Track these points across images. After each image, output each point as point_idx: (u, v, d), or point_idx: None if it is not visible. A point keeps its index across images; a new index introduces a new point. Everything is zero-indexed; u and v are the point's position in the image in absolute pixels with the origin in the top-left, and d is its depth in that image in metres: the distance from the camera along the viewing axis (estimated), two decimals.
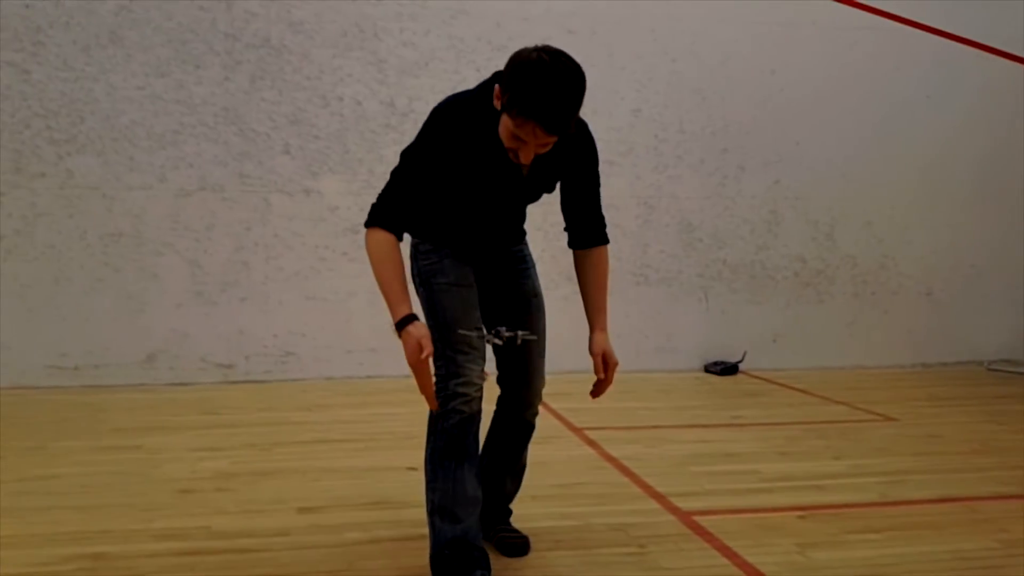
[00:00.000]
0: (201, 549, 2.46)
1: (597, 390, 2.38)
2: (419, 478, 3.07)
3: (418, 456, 3.31)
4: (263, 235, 5.14)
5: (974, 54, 5.98)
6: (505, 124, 2.00)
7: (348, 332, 5.26)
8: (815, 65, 5.84)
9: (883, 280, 6.09)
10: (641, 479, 3.19)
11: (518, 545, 2.47)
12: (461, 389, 2.17)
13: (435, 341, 2.11)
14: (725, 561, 2.43)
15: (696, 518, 2.77)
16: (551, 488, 3.06)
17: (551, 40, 5.87)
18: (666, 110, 5.69)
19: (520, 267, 2.42)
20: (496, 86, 2.04)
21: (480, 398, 2.23)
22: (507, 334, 2.25)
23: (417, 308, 2.16)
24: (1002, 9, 6.05)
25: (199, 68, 5.02)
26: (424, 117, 2.23)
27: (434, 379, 2.14)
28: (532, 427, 2.54)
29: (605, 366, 2.34)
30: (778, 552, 2.50)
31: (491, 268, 2.36)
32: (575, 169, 2.27)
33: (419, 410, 4.27)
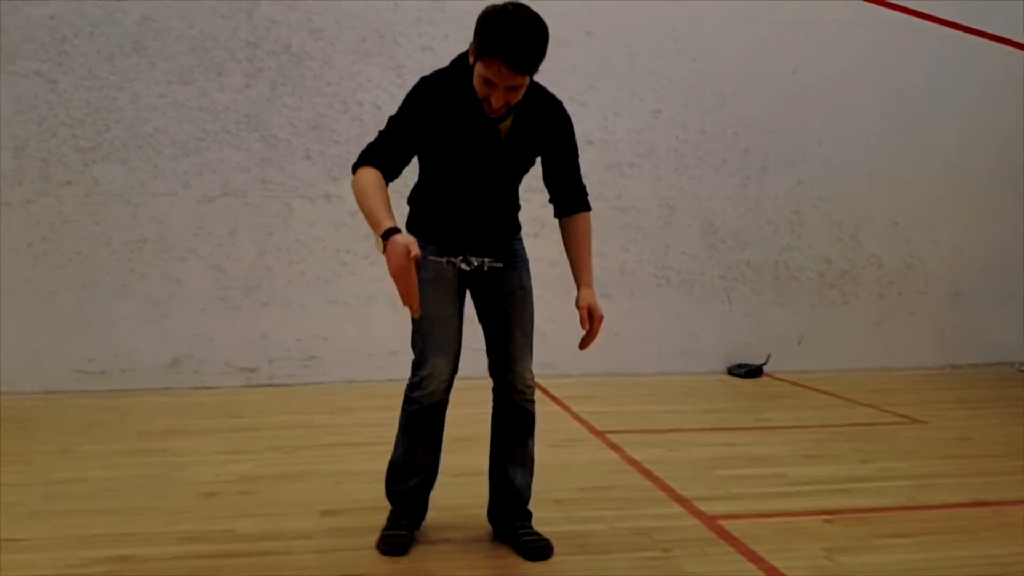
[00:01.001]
0: (225, 552, 2.48)
1: (584, 342, 2.48)
2: (442, 481, 3.08)
3: (442, 459, 3.34)
4: (285, 240, 5.18)
5: (1001, 50, 5.89)
6: (477, 72, 2.20)
7: (369, 336, 5.28)
8: (838, 63, 5.78)
9: (910, 280, 6.00)
10: (665, 483, 3.17)
11: (540, 548, 2.47)
12: (424, 382, 2.44)
13: (413, 332, 2.41)
14: (751, 566, 2.40)
15: (721, 522, 2.74)
16: (573, 492, 3.04)
17: (570, 42, 5.90)
18: (687, 111, 5.66)
19: (510, 260, 2.51)
20: (471, 43, 2.23)
21: (442, 390, 2.46)
22: (475, 261, 2.39)
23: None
24: None
25: (221, 75, 5.08)
26: None
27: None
28: (528, 414, 2.57)
29: (591, 319, 2.45)
30: (805, 557, 2.46)
31: (478, 266, 2.44)
32: (553, 143, 2.45)
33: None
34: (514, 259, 2.54)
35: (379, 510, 2.80)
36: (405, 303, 2.14)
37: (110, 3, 4.95)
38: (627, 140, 5.58)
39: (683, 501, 2.95)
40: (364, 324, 5.29)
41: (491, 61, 2.13)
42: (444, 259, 2.36)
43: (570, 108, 6.16)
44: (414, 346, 2.47)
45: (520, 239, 2.63)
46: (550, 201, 2.56)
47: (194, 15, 5.04)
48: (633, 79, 5.56)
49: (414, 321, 2.38)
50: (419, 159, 2.47)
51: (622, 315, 5.60)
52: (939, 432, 4.06)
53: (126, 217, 5.00)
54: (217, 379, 5.10)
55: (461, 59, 2.35)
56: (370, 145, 2.33)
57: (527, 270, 2.59)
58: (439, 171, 2.44)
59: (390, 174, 2.30)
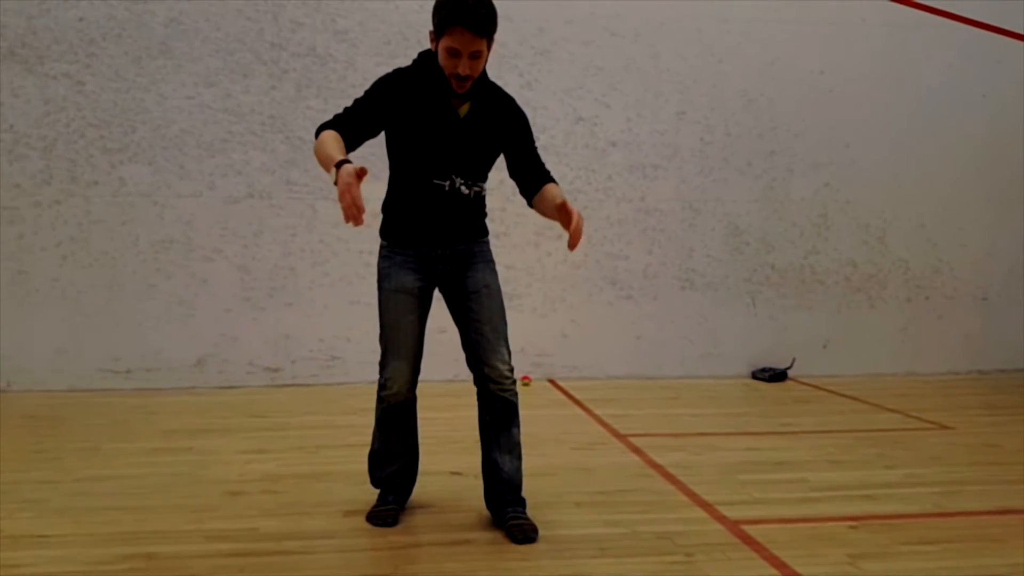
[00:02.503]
0: (249, 551, 2.50)
1: (571, 240, 2.40)
2: (462, 482, 3.09)
3: (461, 460, 3.36)
4: (309, 241, 5.22)
5: None
6: (441, 49, 2.41)
7: None
8: (865, 65, 5.72)
9: (937, 284, 5.91)
10: (687, 487, 3.14)
11: (524, 530, 2.58)
12: (387, 383, 2.66)
13: (380, 337, 2.65)
14: (774, 571, 2.37)
15: (744, 527, 2.71)
16: (595, 495, 3.03)
17: (594, 43, 5.90)
18: (712, 112, 5.62)
19: (468, 262, 2.66)
20: (430, 31, 2.47)
21: (406, 390, 2.67)
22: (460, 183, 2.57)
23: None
24: None
25: (247, 77, 5.12)
26: None
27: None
28: (509, 403, 2.66)
29: (567, 215, 2.40)
30: (828, 563, 2.43)
31: (444, 270, 2.65)
32: (510, 132, 2.62)
33: (460, 415, 4.32)
34: (475, 260, 2.67)
35: (404, 511, 2.82)
36: (347, 220, 2.22)
37: (138, 5, 5.01)
38: (651, 142, 5.55)
39: (706, 505, 2.92)
40: None
41: (452, 30, 2.34)
42: (446, 183, 2.55)
43: (594, 109, 6.17)
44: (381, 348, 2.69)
45: (486, 242, 2.74)
46: (520, 192, 2.70)
47: (220, 17, 5.09)
48: (658, 80, 5.54)
49: (381, 327, 2.65)
50: (388, 155, 2.63)
51: (645, 318, 5.58)
52: (966, 438, 3.99)
53: (152, 217, 5.06)
54: (241, 379, 5.15)
55: (422, 54, 2.57)
56: (335, 115, 2.53)
57: (492, 270, 2.70)
58: (403, 159, 2.58)
59: (348, 141, 2.44)
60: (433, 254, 2.62)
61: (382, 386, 2.67)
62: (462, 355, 5.38)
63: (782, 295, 5.76)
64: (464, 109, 2.55)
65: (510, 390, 2.66)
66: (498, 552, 2.51)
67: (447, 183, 2.57)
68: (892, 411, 4.62)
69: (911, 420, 4.39)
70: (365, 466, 3.32)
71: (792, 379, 5.61)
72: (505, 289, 5.48)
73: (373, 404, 4.48)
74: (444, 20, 2.36)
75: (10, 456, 3.52)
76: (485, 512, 2.80)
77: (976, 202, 5.91)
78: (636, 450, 3.69)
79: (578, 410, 4.48)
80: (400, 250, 2.63)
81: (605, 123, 5.46)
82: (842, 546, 2.56)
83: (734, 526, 2.72)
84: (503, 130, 2.61)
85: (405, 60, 5.15)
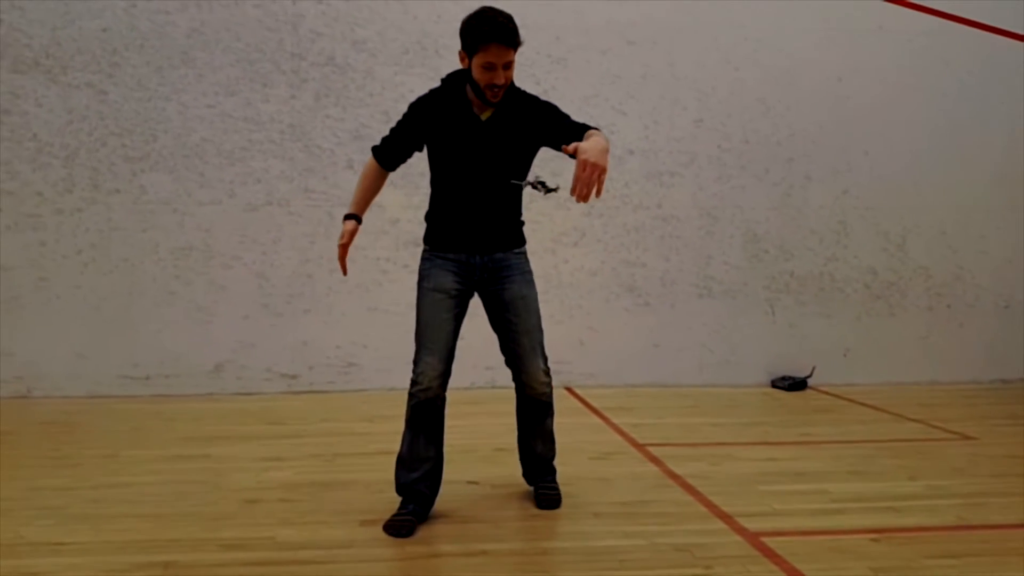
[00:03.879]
0: (266, 560, 2.49)
1: (572, 187, 2.40)
2: (480, 492, 3.09)
3: (479, 470, 3.37)
4: (327, 248, 5.22)
5: None
6: (476, 65, 2.61)
7: (409, 343, 5.21)
8: (883, 71, 5.67)
9: (958, 292, 5.84)
10: (706, 498, 3.11)
11: (551, 498, 2.96)
12: (418, 378, 2.76)
13: (415, 335, 2.79)
14: None
15: (764, 539, 2.67)
16: (614, 506, 3.01)
17: (611, 51, 5.90)
18: (729, 119, 5.59)
19: (504, 274, 2.82)
20: (460, 52, 2.67)
21: (436, 386, 2.76)
22: (534, 183, 2.69)
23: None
24: None
25: (266, 87, 5.16)
26: None
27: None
28: (543, 403, 2.94)
29: (578, 159, 2.38)
30: None
31: (482, 277, 2.81)
32: (539, 126, 2.74)
33: (478, 423, 4.32)
34: (512, 271, 2.82)
35: (421, 523, 2.81)
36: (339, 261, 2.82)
37: (160, 16, 5.07)
38: (668, 149, 5.53)
39: (725, 517, 2.89)
40: (404, 332, 5.21)
41: (487, 47, 2.57)
42: (524, 183, 2.72)
43: (611, 117, 6.18)
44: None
45: (523, 253, 2.90)
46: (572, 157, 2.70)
47: (241, 27, 5.13)
48: (675, 88, 5.52)
49: (416, 323, 2.81)
50: (429, 168, 2.85)
51: (663, 326, 5.55)
52: (989, 449, 3.93)
53: (173, 225, 5.10)
54: (259, 385, 5.17)
55: (451, 75, 2.80)
56: (383, 138, 2.85)
57: (528, 282, 2.86)
58: (440, 169, 2.81)
59: (388, 164, 2.84)
60: (472, 260, 2.79)
61: (413, 381, 2.77)
62: (480, 362, 5.46)
63: (801, 303, 5.71)
64: (486, 114, 2.73)
65: (545, 393, 2.92)
66: (516, 563, 2.50)
67: (481, 189, 2.75)
68: (914, 421, 4.57)
69: (934, 430, 4.34)
70: (382, 474, 3.30)
71: (812, 388, 5.56)
72: None
73: (390, 411, 4.53)
74: (477, 39, 2.58)
75: (30, 462, 3.55)
76: (503, 522, 2.80)
77: (997, 209, 5.84)
78: (654, 460, 3.66)
79: (595, 418, 4.46)
80: (440, 254, 2.81)
81: (622, 131, 5.45)
82: (864, 559, 2.52)
83: (754, 538, 2.69)
84: (527, 125, 2.74)
85: (423, 69, 5.28)
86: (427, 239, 2.87)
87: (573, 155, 2.39)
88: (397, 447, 3.72)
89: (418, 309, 2.80)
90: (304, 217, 5.22)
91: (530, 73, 5.34)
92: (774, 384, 5.60)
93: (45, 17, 4.99)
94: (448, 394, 4.72)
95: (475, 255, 2.79)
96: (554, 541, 2.69)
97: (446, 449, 3.44)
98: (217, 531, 2.72)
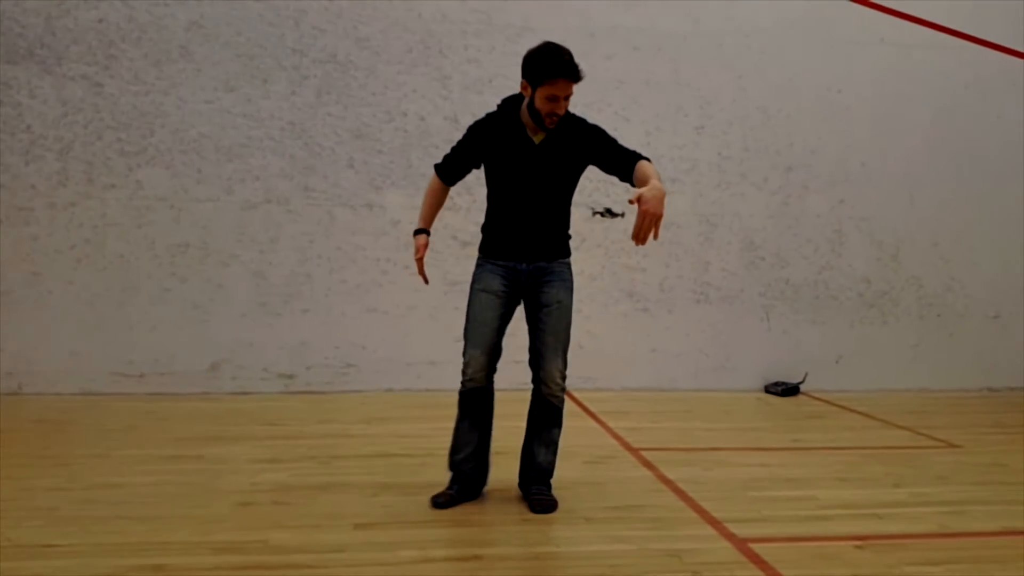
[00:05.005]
0: (258, 564, 2.49)
1: (633, 233, 2.63)
2: (475, 501, 3.08)
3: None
4: (326, 248, 5.22)
5: None
6: (540, 96, 2.87)
7: (408, 345, 5.30)
8: (882, 83, 5.71)
9: (949, 302, 5.90)
10: (697, 504, 3.14)
11: (543, 503, 3.03)
12: (465, 369, 3.05)
13: (464, 331, 3.06)
14: None
15: (752, 545, 2.71)
16: (606, 511, 3.03)
17: (616, 56, 5.92)
18: (730, 128, 5.61)
19: (546, 279, 3.07)
20: (522, 82, 2.94)
21: (481, 377, 3.04)
22: (601, 211, 3.31)
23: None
24: None
25: (267, 83, 5.14)
26: None
27: None
28: (554, 408, 3.10)
29: (640, 208, 2.60)
30: None
31: (527, 282, 3.06)
32: (587, 148, 3.02)
33: None
34: (553, 278, 3.07)
35: (413, 524, 2.84)
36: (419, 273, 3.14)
37: (158, 8, 5.04)
38: (670, 156, 5.54)
39: (715, 523, 2.93)
40: (403, 333, 5.31)
41: (554, 81, 2.83)
42: (601, 211, 3.26)
43: (613, 122, 6.21)
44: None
45: (568, 263, 3.14)
46: (622, 180, 3.02)
47: (242, 22, 5.11)
48: (678, 95, 5.53)
49: (466, 319, 3.08)
50: (486, 184, 3.13)
51: (661, 331, 5.57)
52: (974, 457, 3.99)
53: (169, 221, 5.07)
54: (255, 385, 5.14)
55: (507, 100, 3.10)
56: (444, 156, 3.17)
57: (566, 289, 3.08)
58: (495, 186, 3.09)
59: (449, 180, 3.17)
60: (519, 267, 3.06)
61: (462, 372, 3.07)
62: None
63: (796, 310, 5.74)
64: (539, 138, 3.00)
65: (558, 396, 3.08)
66: (507, 568, 2.52)
67: (531, 203, 3.03)
68: (902, 428, 4.61)
69: (920, 438, 4.38)
70: (378, 478, 3.37)
71: (804, 393, 5.60)
72: None
73: (388, 413, 4.64)
74: (545, 73, 2.83)
75: (21, 461, 3.52)
76: (495, 527, 2.82)
77: (989, 221, 5.90)
78: (648, 464, 3.69)
79: (592, 422, 4.48)
80: (491, 261, 3.08)
81: (625, 136, 5.33)
82: (847, 566, 2.56)
83: (742, 544, 2.72)
84: (576, 147, 3.02)
85: (426, 68, 5.28)
86: (482, 248, 3.15)
87: (635, 202, 2.58)
88: (394, 450, 3.83)
89: (468, 308, 3.07)
90: (304, 216, 5.20)
91: None
92: (768, 389, 5.63)
93: (39, 6, 4.93)
94: (448, 395, 4.80)
95: (522, 263, 3.06)
96: (546, 546, 2.70)
97: (441, 452, 3.46)
98: (209, 534, 2.72)
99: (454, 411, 4.51)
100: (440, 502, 3.03)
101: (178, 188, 5.08)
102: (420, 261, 3.12)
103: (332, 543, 2.66)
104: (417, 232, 3.15)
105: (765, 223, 5.69)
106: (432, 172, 3.22)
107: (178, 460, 3.60)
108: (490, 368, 3.04)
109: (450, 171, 3.15)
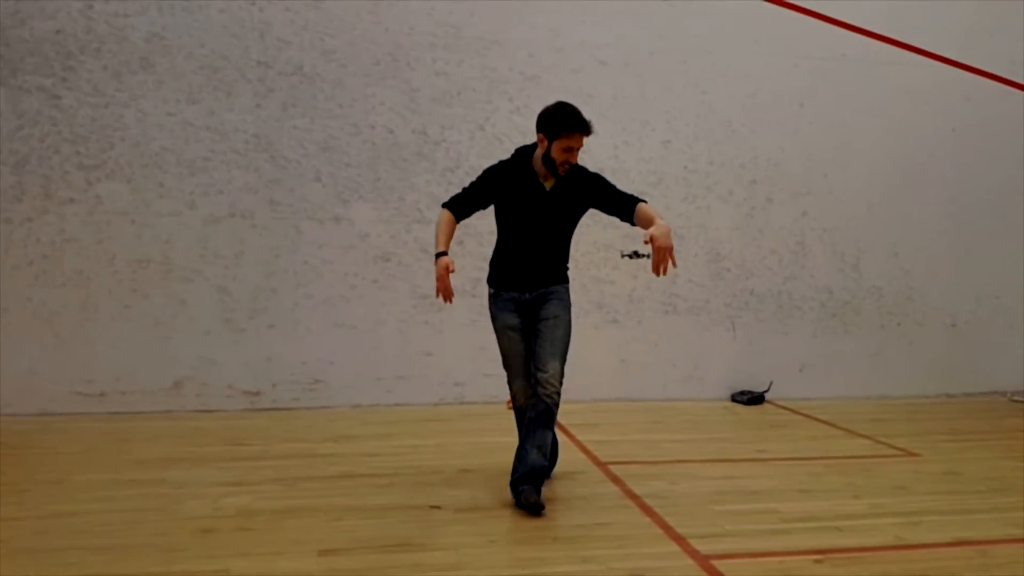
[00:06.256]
0: None
1: (653, 266, 3.11)
2: (441, 518, 3.16)
3: (442, 493, 3.43)
4: (292, 262, 5.16)
5: (1000, 89, 5.99)
6: (555, 149, 3.27)
7: (377, 359, 5.27)
8: (843, 98, 5.82)
9: (908, 311, 6.03)
10: (663, 519, 3.17)
11: (528, 498, 3.23)
12: (514, 395, 3.53)
13: (503, 363, 3.53)
14: None
15: (714, 562, 2.74)
16: (573, 529, 3.05)
17: (583, 71, 5.95)
18: (696, 141, 5.67)
19: (547, 298, 3.44)
20: (538, 135, 3.33)
21: (524, 399, 3.46)
22: (629, 254, 3.77)
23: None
24: None
25: (231, 95, 5.07)
26: (456, 146, 5.06)
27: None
28: (548, 408, 3.32)
29: (653, 246, 3.06)
30: None
31: (531, 306, 3.45)
32: (590, 194, 3.43)
33: (445, 442, 4.35)
34: (552, 297, 3.45)
35: (378, 550, 2.81)
36: (438, 296, 3.31)
37: (118, 19, 4.94)
38: (637, 169, 5.58)
39: (679, 539, 2.96)
40: (372, 348, 5.27)
41: (570, 135, 3.24)
42: (629, 254, 3.72)
43: None
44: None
45: (567, 288, 3.54)
46: (622, 220, 3.43)
47: (205, 33, 5.03)
48: (645, 109, 5.58)
49: (501, 355, 3.52)
50: (496, 223, 3.50)
51: (630, 342, 5.61)
52: (930, 465, 4.09)
53: (130, 236, 4.97)
54: (220, 402, 5.06)
55: (521, 150, 3.47)
56: (453, 196, 3.46)
57: (565, 306, 3.48)
58: (505, 225, 3.47)
59: (460, 215, 3.43)
60: (523, 297, 3.46)
61: (512, 397, 3.54)
62: (447, 379, 5.44)
63: (761, 320, 5.82)
64: (549, 184, 3.39)
65: (552, 397, 3.31)
66: None
67: (538, 242, 3.42)
68: (863, 436, 4.70)
69: (880, 446, 4.48)
70: (343, 500, 3.36)
71: (769, 402, 5.68)
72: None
73: (356, 430, 4.70)
74: (561, 128, 3.23)
75: None
76: (463, 549, 2.81)
77: (947, 232, 6.04)
78: (616, 479, 3.71)
79: (561, 435, 4.47)
80: (502, 293, 3.48)
81: (592, 150, 5.46)
82: None
83: (705, 561, 2.75)
84: (581, 194, 3.42)
85: (394, 81, 5.27)
86: (491, 280, 3.53)
87: (649, 242, 3.05)
88: (361, 470, 3.84)
89: (500, 344, 3.50)
90: (269, 230, 5.14)
91: (503, 90, 5.35)
92: (734, 398, 5.70)
93: None
94: (415, 411, 5.24)
95: (526, 292, 3.45)
96: (512, 568, 2.69)
97: (410, 471, 3.67)
98: (169, 564, 2.66)
99: (425, 426, 4.78)
100: (534, 501, 3.22)
101: (139, 202, 4.98)
102: (442, 280, 3.29)
103: (295, 571, 2.63)
104: (439, 255, 3.32)
105: (730, 235, 5.75)
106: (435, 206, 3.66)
107: (138, 484, 3.52)
108: (529, 388, 3.45)
109: (462, 207, 3.42)
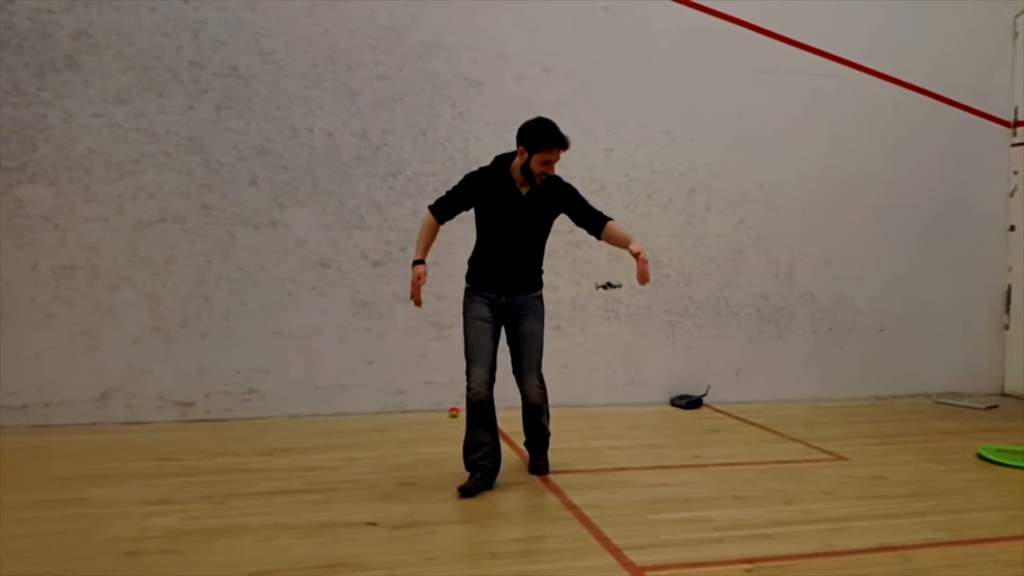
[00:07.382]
0: None
1: (639, 278, 3.57)
2: (377, 535, 3.11)
3: (378, 509, 3.39)
4: (226, 269, 5.03)
5: (927, 102, 6.23)
6: (535, 161, 3.52)
7: (316, 368, 5.17)
8: (779, 109, 5.96)
9: (839, 316, 6.22)
10: (600, 530, 3.19)
11: (537, 469, 3.99)
12: (471, 384, 3.62)
13: (464, 352, 3.67)
14: None
15: (648, 574, 2.78)
16: (511, 544, 3.04)
17: (526, 79, 5.95)
18: (637, 150, 5.73)
19: (523, 313, 3.73)
20: (519, 147, 3.56)
21: (484, 390, 3.61)
22: (603, 284, 4.09)
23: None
24: (954, 62, 6.32)
25: (162, 96, 4.91)
26: (398, 151, 5.17)
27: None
28: (537, 405, 3.86)
29: (639, 259, 3.53)
30: None
31: (507, 313, 3.70)
32: (562, 199, 3.74)
33: (382, 454, 4.29)
34: (528, 312, 3.73)
35: (311, 570, 2.75)
36: (411, 299, 3.68)
37: (42, 15, 4.73)
38: (580, 177, 5.57)
39: (615, 550, 2.98)
40: (310, 356, 5.17)
41: (550, 150, 3.50)
42: (603, 285, 4.06)
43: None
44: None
45: (540, 296, 3.80)
46: (589, 233, 3.78)
47: (135, 32, 4.87)
48: (588, 117, 5.61)
49: (465, 343, 3.67)
50: (476, 225, 3.71)
51: (572, 348, 5.64)
52: (858, 470, 4.21)
53: (53, 242, 4.77)
54: (150, 414, 4.91)
55: (500, 158, 3.70)
56: (438, 199, 3.72)
57: (539, 319, 3.76)
58: (484, 229, 3.69)
59: (443, 218, 3.70)
60: (499, 300, 3.69)
61: (468, 387, 3.63)
62: (389, 387, 5.43)
63: (699, 326, 5.92)
64: (525, 190, 3.65)
65: (536, 400, 3.83)
66: None
67: (514, 246, 3.66)
68: (795, 440, 4.82)
69: (812, 451, 4.59)
70: (275, 518, 3.27)
71: (707, 406, 5.79)
72: (435, 320, 5.42)
73: (292, 443, 5.05)
74: (542, 143, 3.49)
75: None
76: (397, 568, 2.78)
77: (876, 240, 6.25)
78: (555, 490, 3.73)
79: (503, 444, 4.46)
80: (478, 292, 3.68)
81: None
82: None
83: (639, 573, 2.79)
84: (554, 201, 3.71)
85: (333, 84, 5.20)
86: (469, 279, 3.75)
87: (635, 255, 3.52)
88: (294, 485, 3.78)
89: (465, 332, 3.67)
90: (201, 235, 5.00)
91: (446, 95, 5.31)
92: (673, 403, 5.79)
93: None
94: (355, 420, 5.24)
95: (502, 296, 3.69)
96: None
97: (346, 485, 3.71)
98: None
99: (363, 437, 4.72)
100: (469, 488, 3.57)
101: (64, 207, 4.79)
102: (414, 286, 3.59)
103: None
104: (416, 263, 3.61)
105: (670, 242, 5.84)
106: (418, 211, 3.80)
107: (59, 505, 3.37)
108: (491, 382, 3.63)
109: (445, 211, 3.67)
